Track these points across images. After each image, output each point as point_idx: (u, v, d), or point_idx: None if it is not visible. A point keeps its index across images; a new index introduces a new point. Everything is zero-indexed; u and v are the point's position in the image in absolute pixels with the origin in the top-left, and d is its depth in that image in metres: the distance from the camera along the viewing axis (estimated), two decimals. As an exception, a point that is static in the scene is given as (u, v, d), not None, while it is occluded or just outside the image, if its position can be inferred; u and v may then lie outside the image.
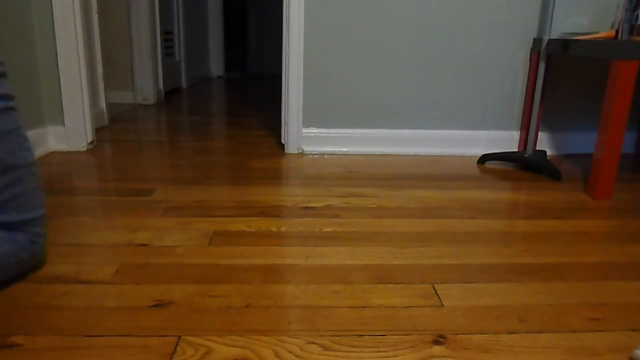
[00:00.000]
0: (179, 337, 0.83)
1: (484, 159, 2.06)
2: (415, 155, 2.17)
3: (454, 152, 2.18)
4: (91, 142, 2.12)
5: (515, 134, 2.18)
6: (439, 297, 0.98)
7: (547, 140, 2.22)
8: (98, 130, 2.46)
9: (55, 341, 0.81)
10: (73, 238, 1.21)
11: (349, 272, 1.08)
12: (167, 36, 3.79)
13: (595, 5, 2.06)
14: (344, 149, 2.17)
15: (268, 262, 1.11)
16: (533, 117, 1.97)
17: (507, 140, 2.18)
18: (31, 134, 1.92)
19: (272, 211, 1.44)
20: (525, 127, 2.12)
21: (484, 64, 2.11)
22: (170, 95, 3.85)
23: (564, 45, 1.81)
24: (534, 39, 2.07)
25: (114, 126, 2.61)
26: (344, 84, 2.12)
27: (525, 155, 1.98)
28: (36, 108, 1.97)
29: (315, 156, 2.11)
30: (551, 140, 2.22)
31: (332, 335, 0.85)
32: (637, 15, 1.68)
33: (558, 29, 2.05)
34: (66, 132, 2.04)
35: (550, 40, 1.90)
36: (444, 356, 0.80)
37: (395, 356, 0.80)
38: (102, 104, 2.52)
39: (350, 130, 2.16)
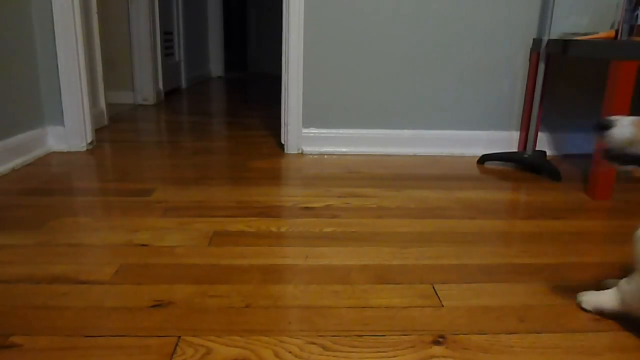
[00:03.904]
0: (179, 337, 0.83)
1: (483, 159, 2.06)
2: (415, 155, 2.17)
3: (453, 152, 2.18)
4: (91, 143, 2.12)
5: (515, 134, 2.18)
6: (439, 297, 0.98)
7: (547, 141, 2.22)
8: (98, 131, 2.46)
9: (55, 341, 0.81)
10: (73, 238, 1.21)
11: (348, 272, 1.08)
12: (167, 36, 3.79)
13: (595, 6, 2.06)
14: (344, 149, 2.17)
15: (268, 262, 1.11)
16: (533, 117, 1.97)
17: (507, 141, 2.18)
18: (31, 134, 1.92)
19: (271, 211, 1.44)
20: (525, 127, 2.12)
21: (484, 64, 2.11)
22: (170, 95, 3.85)
23: (564, 45, 1.81)
24: (533, 39, 2.07)
25: (113, 126, 2.61)
26: (344, 84, 2.12)
27: (525, 156, 1.98)
28: (36, 108, 1.97)
29: (315, 156, 2.11)
30: (551, 140, 2.22)
31: (332, 336, 0.85)
32: (637, 16, 1.68)
33: (558, 30, 2.05)
34: (66, 132, 2.04)
35: (550, 41, 1.90)
36: (443, 356, 0.80)
37: (395, 356, 0.80)
38: (102, 104, 2.52)
39: (350, 131, 2.16)
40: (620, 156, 0.83)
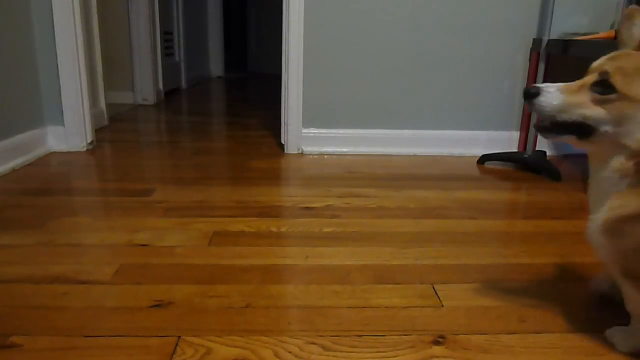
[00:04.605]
0: (179, 337, 0.83)
1: (483, 159, 2.06)
2: (415, 155, 2.17)
3: (453, 152, 2.18)
4: (91, 143, 2.12)
5: (515, 134, 2.18)
6: (439, 298, 0.98)
7: (547, 141, 2.22)
8: (98, 131, 2.45)
9: (55, 341, 0.81)
10: (73, 238, 1.21)
11: (348, 272, 1.08)
12: (167, 36, 3.79)
13: (595, 6, 2.06)
14: (344, 149, 2.17)
15: (268, 262, 1.11)
16: (533, 117, 1.97)
17: (507, 141, 2.18)
18: (31, 134, 1.92)
19: (271, 211, 1.44)
20: (525, 127, 2.11)
21: (484, 64, 2.11)
22: (170, 95, 3.85)
23: (564, 45, 1.81)
24: (533, 39, 2.07)
25: (113, 126, 2.61)
26: (344, 84, 2.12)
27: (525, 156, 1.98)
28: (36, 108, 1.97)
29: (315, 156, 2.11)
30: (551, 140, 2.22)
31: (332, 336, 0.85)
32: (637, 16, 1.67)
33: (558, 29, 2.05)
34: (66, 132, 2.04)
35: (550, 41, 1.90)
36: (443, 356, 0.80)
37: (395, 356, 0.80)
38: (102, 104, 2.51)
39: (350, 130, 2.16)
40: (552, 126, 0.79)
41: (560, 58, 2.14)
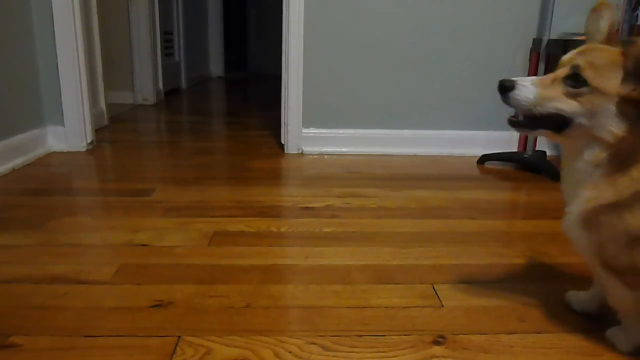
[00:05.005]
0: (179, 337, 0.83)
1: (483, 159, 2.06)
2: (415, 155, 2.17)
3: (453, 152, 2.18)
4: (91, 143, 2.12)
5: (515, 134, 2.18)
6: (439, 298, 0.98)
7: (547, 140, 2.22)
8: (98, 131, 2.45)
9: (55, 341, 0.81)
10: (73, 238, 1.21)
11: (348, 272, 1.08)
12: (167, 36, 3.79)
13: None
14: (344, 149, 2.17)
15: (268, 262, 1.11)
16: (533, 117, 1.97)
17: (507, 141, 2.18)
18: (31, 134, 1.92)
19: (271, 211, 1.44)
20: (525, 127, 2.11)
21: (483, 64, 2.11)
22: (170, 95, 3.85)
23: (564, 45, 1.81)
24: (533, 39, 2.07)
25: (113, 126, 2.61)
26: (343, 84, 2.11)
27: (525, 156, 1.97)
28: (36, 108, 1.97)
29: (315, 156, 2.11)
30: (551, 140, 2.22)
31: (332, 336, 0.85)
32: (637, 16, 1.68)
33: (558, 29, 2.05)
34: (66, 132, 2.04)
35: (549, 41, 1.90)
36: (443, 356, 0.80)
37: (395, 356, 0.80)
38: (102, 104, 2.51)
39: (350, 131, 2.16)
40: (526, 120, 0.79)
41: (560, 58, 2.14)
